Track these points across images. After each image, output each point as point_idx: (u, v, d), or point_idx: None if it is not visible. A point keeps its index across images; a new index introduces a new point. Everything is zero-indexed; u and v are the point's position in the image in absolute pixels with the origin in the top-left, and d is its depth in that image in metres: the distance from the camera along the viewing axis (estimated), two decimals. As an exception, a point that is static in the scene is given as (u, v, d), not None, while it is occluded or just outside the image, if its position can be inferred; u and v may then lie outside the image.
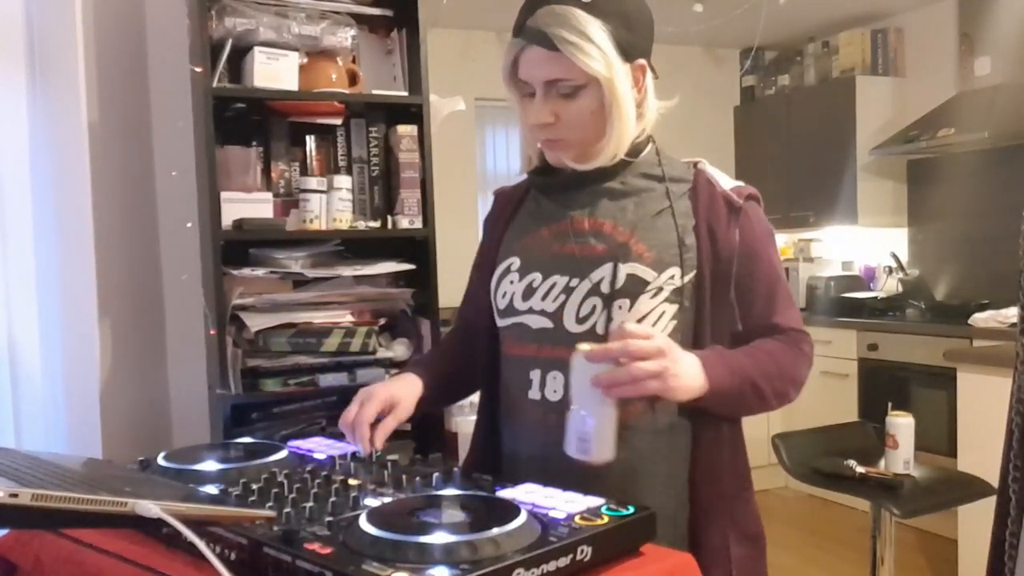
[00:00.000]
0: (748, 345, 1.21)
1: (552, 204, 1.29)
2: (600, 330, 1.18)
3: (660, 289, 1.18)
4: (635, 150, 1.24)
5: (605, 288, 1.19)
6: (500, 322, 1.29)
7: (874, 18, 4.62)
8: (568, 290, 1.21)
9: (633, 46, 1.18)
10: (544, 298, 1.23)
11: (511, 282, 1.27)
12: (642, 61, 1.20)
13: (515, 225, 1.33)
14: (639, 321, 1.17)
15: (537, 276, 1.24)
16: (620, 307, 1.18)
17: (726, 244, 1.20)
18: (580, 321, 1.20)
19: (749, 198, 1.24)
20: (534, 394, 1.22)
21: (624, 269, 1.18)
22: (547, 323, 1.22)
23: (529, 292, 1.24)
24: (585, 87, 1.16)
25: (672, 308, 1.19)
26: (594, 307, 1.19)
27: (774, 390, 1.19)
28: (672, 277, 1.18)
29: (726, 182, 1.25)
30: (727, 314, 1.21)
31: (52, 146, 1.84)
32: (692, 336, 1.20)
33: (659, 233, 1.20)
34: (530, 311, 1.24)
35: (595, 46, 1.14)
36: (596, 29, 1.14)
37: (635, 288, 1.18)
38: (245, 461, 1.18)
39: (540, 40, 1.15)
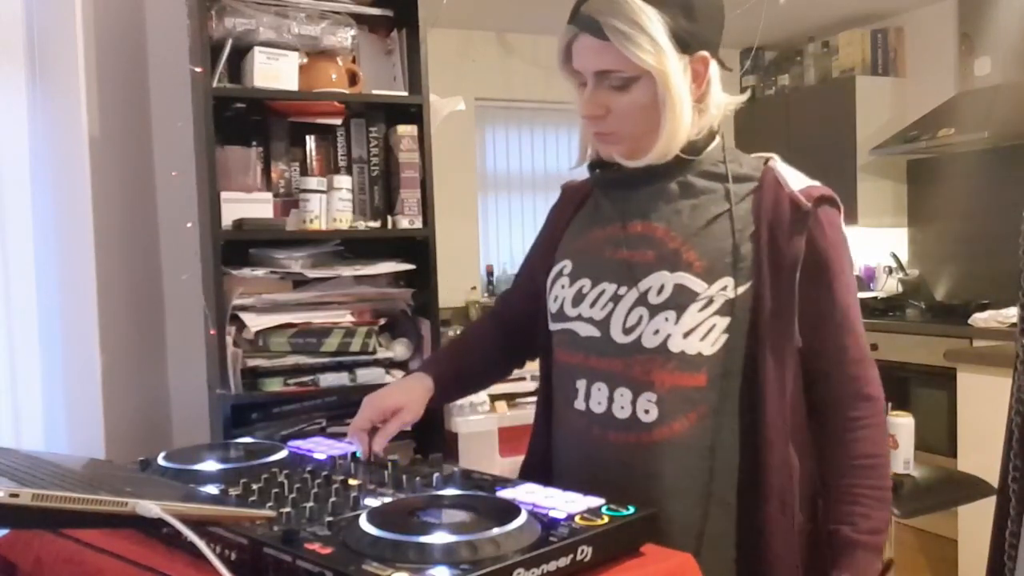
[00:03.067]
0: (848, 465, 1.14)
1: (610, 205, 1.22)
2: (647, 343, 1.12)
3: (711, 301, 1.10)
4: (694, 148, 1.16)
5: (653, 298, 1.12)
6: (552, 326, 1.24)
7: (874, 18, 4.62)
8: (616, 298, 1.15)
9: (694, 37, 1.11)
10: (593, 305, 1.17)
11: (562, 286, 1.22)
12: (704, 53, 1.13)
13: (573, 225, 1.27)
14: (686, 335, 1.10)
15: (587, 282, 1.19)
16: (667, 319, 1.11)
17: (789, 252, 1.10)
18: (627, 331, 1.14)
19: (821, 200, 1.14)
20: (579, 404, 1.18)
21: (672, 279, 1.12)
22: (594, 332, 1.17)
23: (579, 298, 1.19)
24: (638, 79, 1.11)
25: (724, 321, 1.11)
26: (640, 317, 1.13)
27: (886, 490, 1.16)
28: (724, 288, 1.10)
29: (797, 181, 1.15)
30: (788, 331, 1.12)
31: (52, 146, 1.84)
32: (745, 352, 1.12)
33: (713, 240, 1.13)
34: (579, 318, 1.19)
35: (647, 37, 1.08)
36: (651, 19, 1.08)
37: (683, 299, 1.11)
38: (245, 461, 1.17)
39: (591, 28, 1.10)
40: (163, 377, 2.26)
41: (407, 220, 2.04)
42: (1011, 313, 3.43)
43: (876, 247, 4.66)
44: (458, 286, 4.41)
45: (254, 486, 1.03)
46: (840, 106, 4.51)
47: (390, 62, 2.15)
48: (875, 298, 4.37)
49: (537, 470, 1.27)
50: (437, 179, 2.11)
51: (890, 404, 2.50)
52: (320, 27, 1.97)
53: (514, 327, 1.37)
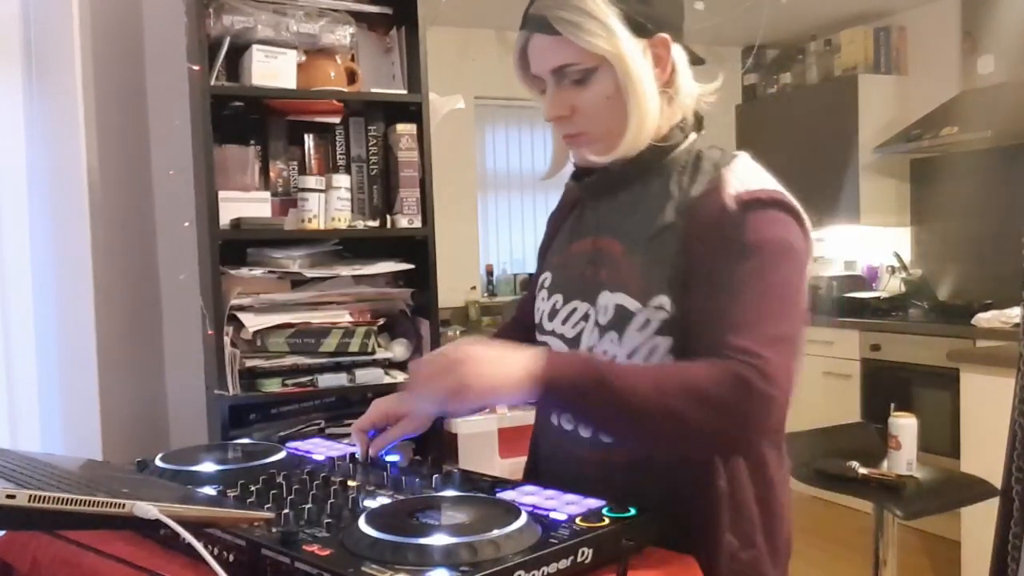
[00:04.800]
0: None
1: (590, 215, 1.19)
2: None
3: (647, 321, 1.05)
4: (670, 139, 1.11)
5: (601, 319, 1.10)
6: (536, 334, 1.23)
7: (877, 16, 4.61)
8: (585, 317, 1.13)
9: (649, 18, 1.07)
10: (564, 322, 1.16)
11: (543, 299, 1.21)
12: (663, 35, 1.08)
13: (560, 232, 1.26)
14: (630, 356, 1.06)
15: (559, 298, 1.18)
16: (612, 340, 1.09)
17: (706, 262, 1.02)
18: (590, 351, 1.11)
19: (756, 203, 1.03)
20: (554, 419, 1.17)
21: (612, 299, 1.09)
22: (564, 349, 1.15)
23: (553, 313, 1.18)
24: (597, 70, 1.06)
25: (666, 342, 1.05)
26: (596, 338, 1.11)
27: (668, 407, 0.95)
28: (660, 307, 1.05)
29: (739, 184, 1.05)
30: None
31: (49, 145, 1.84)
32: None
33: (654, 255, 1.07)
34: (553, 333, 1.18)
35: (596, 21, 1.04)
36: (597, 3, 1.05)
37: (622, 320, 1.07)
38: (243, 462, 1.17)
39: (540, 26, 1.07)
40: (160, 377, 2.25)
41: (406, 219, 2.04)
42: (1015, 313, 3.42)
43: (879, 246, 4.65)
44: (458, 286, 4.41)
45: (252, 487, 1.03)
46: (842, 104, 4.51)
47: (389, 60, 2.15)
48: (878, 298, 4.37)
49: (530, 465, 1.28)
50: (437, 178, 2.11)
51: (893, 405, 2.50)
52: (319, 25, 1.96)
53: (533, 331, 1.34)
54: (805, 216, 1.08)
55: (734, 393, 0.94)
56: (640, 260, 1.08)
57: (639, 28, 1.06)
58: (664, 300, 1.05)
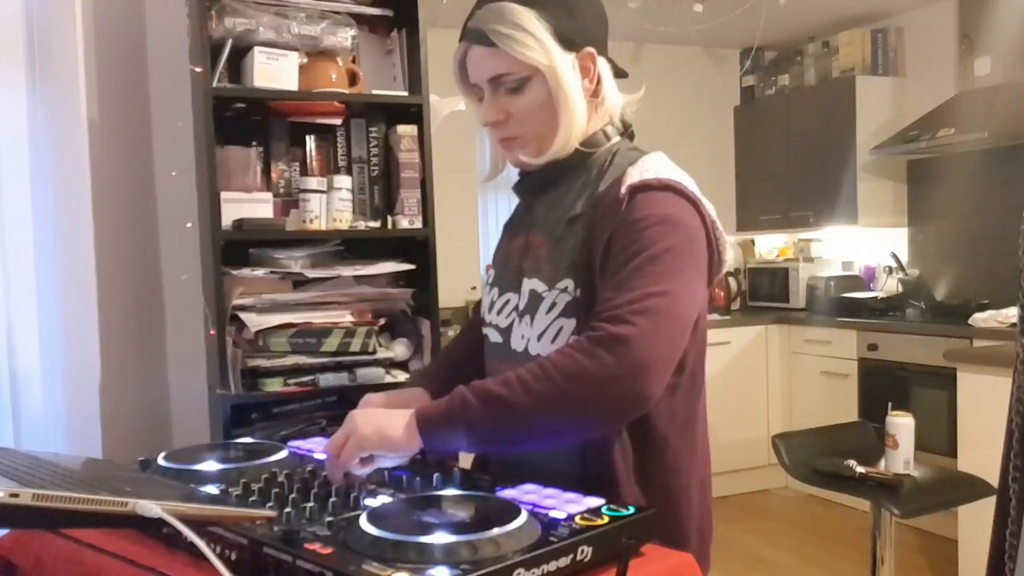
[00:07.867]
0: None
1: (525, 214, 1.29)
2: (516, 347, 1.19)
3: (553, 304, 1.14)
4: (595, 142, 1.19)
5: (520, 305, 1.20)
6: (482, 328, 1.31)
7: (874, 18, 4.62)
8: (516, 308, 1.21)
9: (577, 33, 1.15)
10: (499, 313, 1.24)
11: (486, 293, 1.30)
12: (590, 49, 1.16)
13: (504, 230, 1.35)
14: (539, 338, 1.14)
15: (496, 291, 1.26)
16: (526, 324, 1.18)
17: (600, 246, 1.10)
18: (520, 340, 1.20)
19: (642, 187, 1.10)
20: None
21: (528, 284, 1.18)
22: (499, 338, 1.24)
23: (491, 306, 1.27)
24: (530, 79, 1.15)
25: (570, 323, 1.13)
26: (516, 323, 1.20)
27: (532, 394, 1.00)
28: (566, 289, 1.13)
29: (637, 176, 1.12)
30: None
31: (52, 146, 1.84)
32: None
33: (563, 243, 1.16)
34: (490, 324, 1.26)
35: (530, 35, 1.12)
36: (531, 19, 1.13)
37: (534, 303, 1.17)
38: (245, 461, 1.18)
39: (478, 38, 1.16)
40: (163, 377, 2.26)
41: (407, 220, 2.04)
42: (1011, 313, 3.43)
43: (876, 247, 4.66)
44: (458, 286, 4.41)
45: (254, 486, 1.03)
46: (840, 106, 4.51)
47: (390, 62, 2.15)
48: (875, 298, 4.37)
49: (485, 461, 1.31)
50: (437, 179, 2.12)
51: (890, 404, 2.51)
52: (320, 27, 1.97)
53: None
54: (704, 203, 1.14)
55: (588, 360, 1.00)
56: (551, 248, 1.17)
57: (568, 43, 1.15)
58: (568, 283, 1.13)
